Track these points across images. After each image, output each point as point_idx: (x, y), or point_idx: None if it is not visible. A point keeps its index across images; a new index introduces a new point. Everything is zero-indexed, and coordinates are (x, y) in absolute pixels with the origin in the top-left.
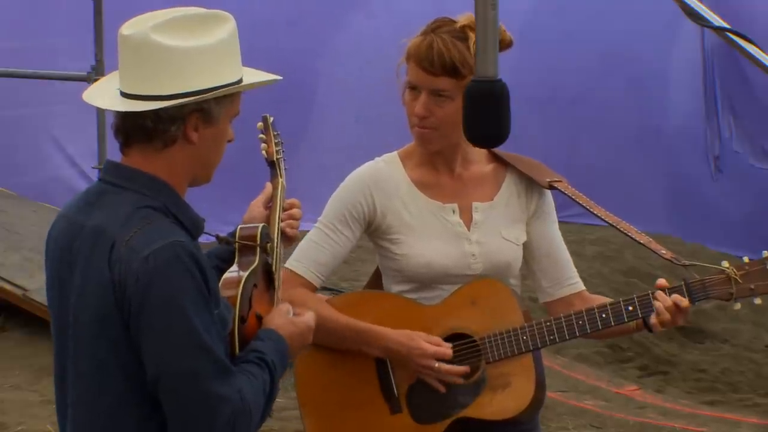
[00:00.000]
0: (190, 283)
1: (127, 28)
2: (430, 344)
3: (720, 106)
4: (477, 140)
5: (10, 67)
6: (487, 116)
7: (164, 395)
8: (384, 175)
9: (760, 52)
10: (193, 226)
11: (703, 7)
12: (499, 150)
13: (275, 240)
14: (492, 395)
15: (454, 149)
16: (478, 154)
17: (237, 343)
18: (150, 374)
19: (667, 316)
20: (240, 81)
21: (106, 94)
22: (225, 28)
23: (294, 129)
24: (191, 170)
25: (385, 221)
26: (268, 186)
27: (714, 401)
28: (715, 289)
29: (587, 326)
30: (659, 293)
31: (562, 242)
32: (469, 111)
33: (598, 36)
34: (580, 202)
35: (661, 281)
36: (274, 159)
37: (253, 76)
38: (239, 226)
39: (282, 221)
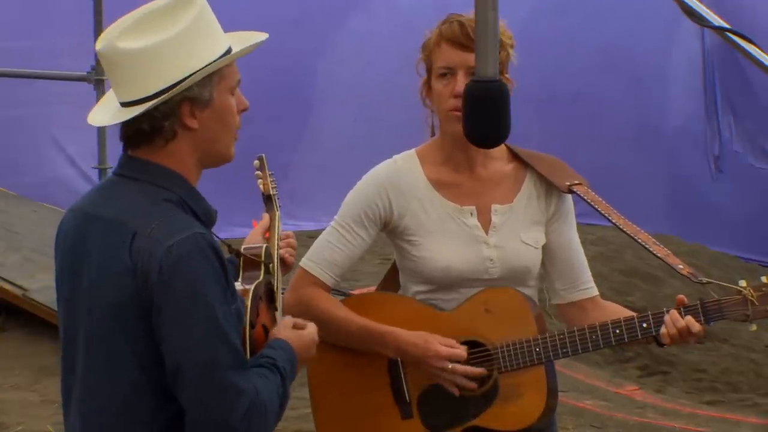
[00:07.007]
0: (212, 273)
1: (99, 43)
2: (445, 346)
3: (720, 106)
4: (476, 140)
5: (10, 67)
6: (486, 116)
7: (184, 385)
8: (401, 175)
9: (760, 52)
10: (206, 217)
11: (703, 7)
12: (520, 148)
13: (275, 264)
14: (503, 405)
15: None
16: (499, 151)
17: (248, 348)
18: (170, 363)
19: (675, 333)
20: (227, 52)
21: (108, 110)
22: (190, 12)
23: (294, 129)
24: (202, 155)
25: (402, 222)
26: (266, 216)
27: (714, 401)
28: (731, 310)
29: (600, 341)
30: (673, 311)
31: (580, 246)
32: (468, 111)
33: (597, 35)
34: (599, 208)
35: (681, 297)
36: (271, 193)
37: (241, 41)
38: (243, 247)
39: (281, 248)
